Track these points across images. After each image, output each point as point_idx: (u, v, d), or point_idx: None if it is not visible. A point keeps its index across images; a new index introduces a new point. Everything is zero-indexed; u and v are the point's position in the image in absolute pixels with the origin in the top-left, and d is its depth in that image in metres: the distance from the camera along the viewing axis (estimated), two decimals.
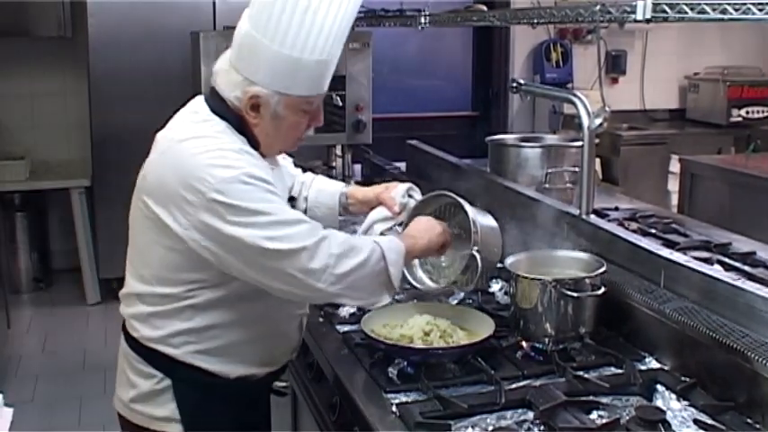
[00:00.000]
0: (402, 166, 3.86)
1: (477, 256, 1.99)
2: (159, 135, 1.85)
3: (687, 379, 1.81)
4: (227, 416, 1.89)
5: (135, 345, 1.87)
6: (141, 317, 1.84)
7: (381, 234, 2.11)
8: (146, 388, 1.86)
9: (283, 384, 2.15)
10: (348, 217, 2.31)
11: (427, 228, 2.00)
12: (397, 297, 2.14)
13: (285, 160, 2.19)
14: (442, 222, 2.05)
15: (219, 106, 1.80)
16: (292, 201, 1.98)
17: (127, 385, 1.90)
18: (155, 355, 1.84)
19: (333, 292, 1.76)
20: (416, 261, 2.15)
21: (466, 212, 2.05)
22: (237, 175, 1.67)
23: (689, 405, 1.73)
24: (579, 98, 2.36)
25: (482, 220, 2.07)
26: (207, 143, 1.73)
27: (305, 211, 2.18)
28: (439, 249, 2.02)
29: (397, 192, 2.17)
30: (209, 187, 1.66)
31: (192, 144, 1.74)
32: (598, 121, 2.30)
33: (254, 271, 1.72)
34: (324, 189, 2.24)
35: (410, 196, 2.17)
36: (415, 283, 2.16)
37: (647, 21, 1.81)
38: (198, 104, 1.85)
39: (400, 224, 2.13)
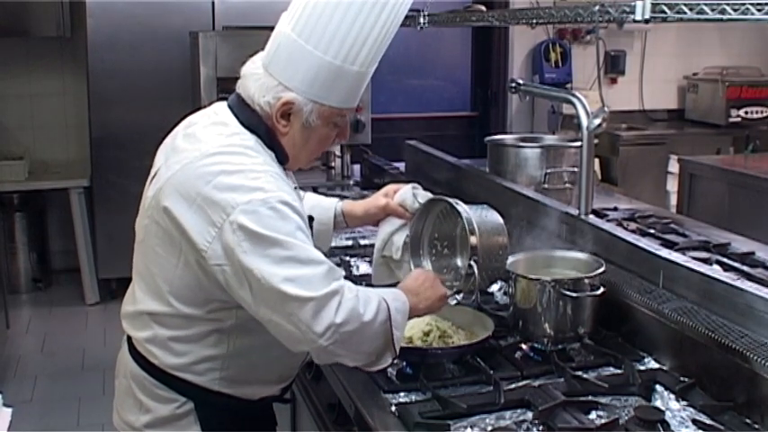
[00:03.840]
0: (401, 166, 3.86)
1: (475, 268, 1.90)
2: (178, 142, 1.76)
3: (686, 379, 1.81)
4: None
5: (153, 370, 1.77)
6: (159, 341, 1.74)
7: (404, 243, 2.06)
8: (164, 413, 1.77)
9: None
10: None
11: (432, 287, 1.88)
12: None
13: None
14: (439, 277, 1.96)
15: (248, 117, 1.73)
16: (310, 220, 1.88)
17: (137, 409, 1.80)
18: (177, 381, 1.75)
19: (332, 351, 1.63)
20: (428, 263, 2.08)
21: (463, 219, 1.94)
22: (267, 199, 1.59)
23: (688, 405, 1.73)
24: (578, 98, 2.36)
25: (484, 223, 1.95)
26: (240, 161, 1.65)
27: None
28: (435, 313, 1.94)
29: (405, 197, 2.09)
30: (236, 208, 1.58)
31: (221, 159, 1.65)
32: (597, 121, 2.30)
33: (260, 306, 1.62)
34: (318, 205, 2.14)
35: (414, 196, 2.09)
36: None
37: (646, 21, 1.81)
38: (224, 114, 1.76)
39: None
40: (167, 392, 1.77)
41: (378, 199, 2.14)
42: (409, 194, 2.09)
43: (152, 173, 1.79)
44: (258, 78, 1.72)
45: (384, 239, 2.10)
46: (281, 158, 1.76)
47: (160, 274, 1.72)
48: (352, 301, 1.63)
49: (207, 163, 1.65)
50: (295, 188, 1.83)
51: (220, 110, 1.79)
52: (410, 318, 1.82)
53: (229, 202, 1.59)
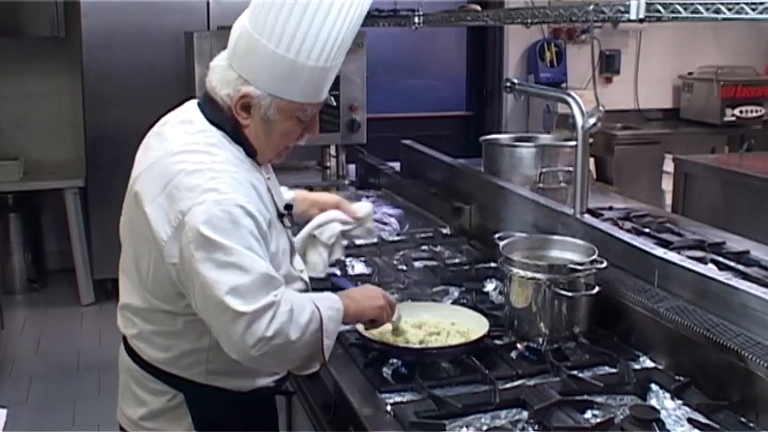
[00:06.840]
0: (396, 165, 3.86)
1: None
2: (151, 141, 1.80)
3: (681, 378, 1.81)
4: (242, 426, 1.86)
5: (144, 365, 1.82)
6: (144, 337, 1.79)
7: (347, 234, 2.13)
8: (158, 405, 1.81)
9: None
10: None
11: (370, 296, 1.90)
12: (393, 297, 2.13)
13: None
14: (391, 298, 1.96)
15: (214, 113, 1.76)
16: (289, 209, 1.90)
17: (134, 402, 1.85)
18: (166, 375, 1.80)
19: (261, 361, 1.66)
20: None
21: None
22: (220, 200, 1.61)
23: (683, 404, 1.73)
24: (573, 98, 2.36)
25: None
26: (200, 160, 1.68)
27: None
28: (370, 321, 1.91)
29: (364, 208, 2.19)
30: (191, 209, 1.61)
31: (183, 158, 1.68)
32: (592, 120, 2.30)
33: (200, 309, 1.65)
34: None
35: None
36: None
37: (641, 20, 1.81)
38: (192, 112, 1.80)
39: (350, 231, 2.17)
40: (159, 385, 1.80)
41: (332, 195, 2.22)
42: (369, 207, 2.22)
43: (132, 173, 1.81)
44: (221, 71, 1.75)
45: (321, 222, 2.12)
46: (250, 152, 1.78)
47: (136, 270, 1.76)
48: (285, 315, 1.64)
49: (170, 162, 1.69)
50: (268, 178, 1.85)
51: (190, 108, 1.82)
52: (344, 322, 1.84)
53: (186, 202, 1.62)
